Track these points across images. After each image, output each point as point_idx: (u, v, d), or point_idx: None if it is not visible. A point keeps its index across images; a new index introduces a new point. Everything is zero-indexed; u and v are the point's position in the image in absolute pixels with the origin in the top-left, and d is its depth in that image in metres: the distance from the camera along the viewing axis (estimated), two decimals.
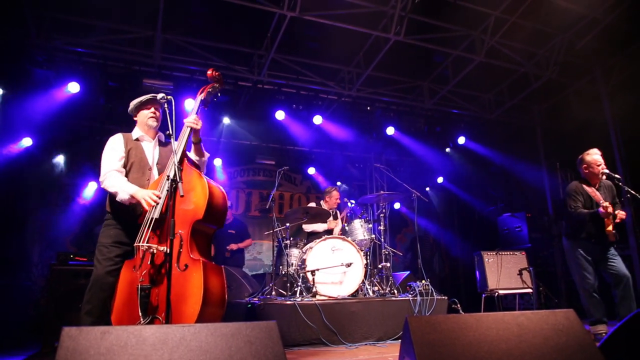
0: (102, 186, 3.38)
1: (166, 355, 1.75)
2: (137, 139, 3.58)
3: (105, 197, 3.50)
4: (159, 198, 3.09)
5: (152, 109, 3.62)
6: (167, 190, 2.87)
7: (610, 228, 4.55)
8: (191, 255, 3.00)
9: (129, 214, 3.35)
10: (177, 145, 3.19)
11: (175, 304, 2.80)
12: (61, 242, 7.67)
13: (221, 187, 3.38)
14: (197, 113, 3.47)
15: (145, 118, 3.60)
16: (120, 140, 3.52)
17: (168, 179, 2.83)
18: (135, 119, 3.69)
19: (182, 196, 2.75)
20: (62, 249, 7.18)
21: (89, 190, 8.00)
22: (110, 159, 3.43)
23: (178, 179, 2.76)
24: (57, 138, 7.70)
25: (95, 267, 3.28)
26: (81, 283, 5.49)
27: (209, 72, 3.68)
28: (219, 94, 3.70)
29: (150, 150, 3.61)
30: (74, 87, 6.73)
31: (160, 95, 3.27)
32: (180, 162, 3.18)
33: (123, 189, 3.27)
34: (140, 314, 2.80)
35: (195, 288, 2.87)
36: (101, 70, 6.95)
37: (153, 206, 3.09)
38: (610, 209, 4.48)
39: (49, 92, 6.81)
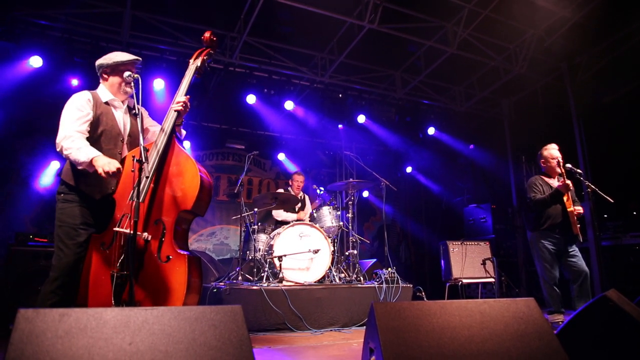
0: (58, 149, 2.89)
1: (127, 339, 1.71)
2: (107, 103, 3.18)
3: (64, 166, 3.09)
4: (119, 171, 2.77)
5: (130, 73, 3.15)
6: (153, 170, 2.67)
7: (571, 209, 4.72)
8: (177, 250, 2.83)
9: (97, 190, 2.99)
10: (164, 125, 3.05)
11: (154, 297, 2.72)
12: (20, 221, 7.41)
13: (206, 172, 3.12)
14: (189, 85, 3.21)
15: (122, 82, 3.19)
16: (90, 101, 3.07)
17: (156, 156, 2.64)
18: (105, 76, 3.24)
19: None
20: (22, 229, 6.95)
21: (49, 175, 7.68)
22: (74, 120, 2.96)
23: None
24: (17, 114, 7.37)
25: (61, 251, 2.86)
26: (41, 264, 5.36)
27: (207, 34, 3.40)
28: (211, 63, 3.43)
29: (121, 117, 3.23)
30: (36, 62, 6.41)
31: (127, 73, 3.11)
32: (170, 140, 3.03)
33: (83, 150, 2.82)
34: (112, 300, 2.62)
35: (178, 284, 2.75)
36: (67, 45, 6.64)
37: (109, 176, 2.75)
38: (569, 183, 4.67)
39: (9, 65, 6.48)
